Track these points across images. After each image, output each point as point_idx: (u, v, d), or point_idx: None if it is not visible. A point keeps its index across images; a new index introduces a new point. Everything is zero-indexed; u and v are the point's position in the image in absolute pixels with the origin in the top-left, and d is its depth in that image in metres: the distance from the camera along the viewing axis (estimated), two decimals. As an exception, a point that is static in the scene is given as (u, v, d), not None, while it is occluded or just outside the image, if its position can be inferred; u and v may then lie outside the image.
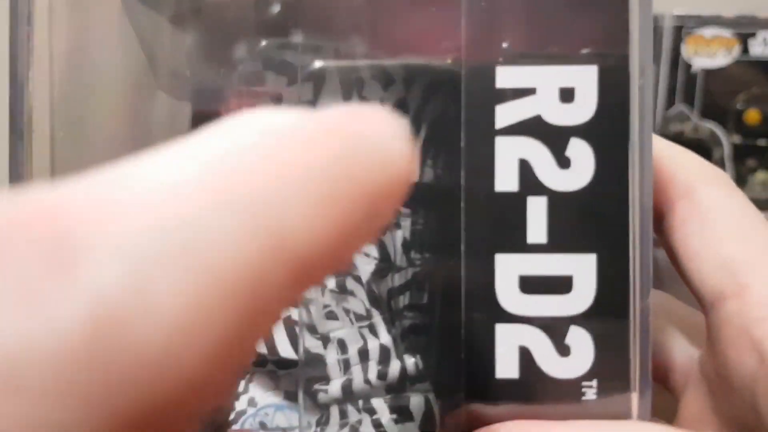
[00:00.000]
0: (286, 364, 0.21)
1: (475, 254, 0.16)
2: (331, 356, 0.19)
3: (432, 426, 0.19)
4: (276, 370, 0.23)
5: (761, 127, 0.54)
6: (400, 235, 0.20)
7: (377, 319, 0.19)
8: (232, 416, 0.23)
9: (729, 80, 0.55)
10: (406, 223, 0.20)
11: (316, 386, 0.19)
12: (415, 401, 0.19)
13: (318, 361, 0.19)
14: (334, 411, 0.19)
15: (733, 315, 0.17)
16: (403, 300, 0.19)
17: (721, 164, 0.52)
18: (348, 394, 0.19)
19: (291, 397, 0.23)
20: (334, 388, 0.19)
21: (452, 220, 0.17)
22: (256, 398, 0.23)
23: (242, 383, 0.23)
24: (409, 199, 0.20)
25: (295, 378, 0.23)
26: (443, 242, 0.18)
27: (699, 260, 0.17)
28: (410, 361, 0.19)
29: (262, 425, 0.23)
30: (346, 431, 0.19)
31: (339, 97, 0.19)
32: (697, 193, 0.18)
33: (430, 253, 0.19)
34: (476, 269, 0.16)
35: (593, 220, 0.16)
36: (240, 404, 0.23)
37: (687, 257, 0.17)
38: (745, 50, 0.54)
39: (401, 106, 0.20)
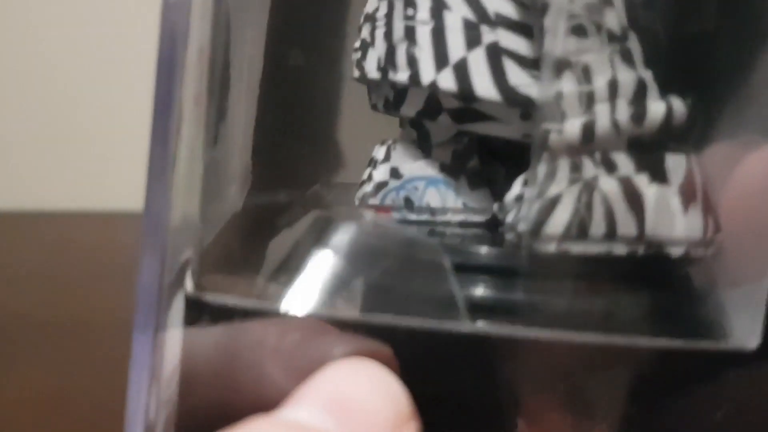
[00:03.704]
0: (472, 113, 0.16)
1: None
2: (569, 86, 0.14)
3: (692, 193, 0.14)
4: (431, 136, 0.18)
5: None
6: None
7: (634, 45, 0.14)
8: (368, 189, 0.18)
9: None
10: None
11: (546, 125, 0.14)
12: (673, 161, 0.14)
13: (542, 101, 0.14)
14: (564, 163, 0.14)
15: None
16: (679, 24, 0.14)
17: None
18: (588, 139, 0.14)
19: (448, 169, 0.18)
20: (573, 129, 0.14)
21: None
22: (401, 169, 0.18)
23: (382, 150, 0.18)
24: None
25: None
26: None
27: None
28: (679, 103, 0.14)
29: (408, 202, 0.18)
30: (576, 189, 0.14)
31: None
32: None
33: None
34: None
35: None
36: (380, 174, 0.18)
37: None
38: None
39: None
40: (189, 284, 0.13)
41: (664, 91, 0.14)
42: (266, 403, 0.12)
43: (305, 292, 0.13)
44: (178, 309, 0.13)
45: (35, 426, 0.30)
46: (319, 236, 0.14)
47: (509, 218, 0.15)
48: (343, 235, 0.14)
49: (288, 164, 0.22)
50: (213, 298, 0.13)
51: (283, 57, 0.20)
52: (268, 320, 0.14)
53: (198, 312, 0.13)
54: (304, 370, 0.12)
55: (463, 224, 0.18)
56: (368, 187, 0.18)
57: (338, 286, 0.13)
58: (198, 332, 0.14)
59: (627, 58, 0.14)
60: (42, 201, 0.52)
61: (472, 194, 0.18)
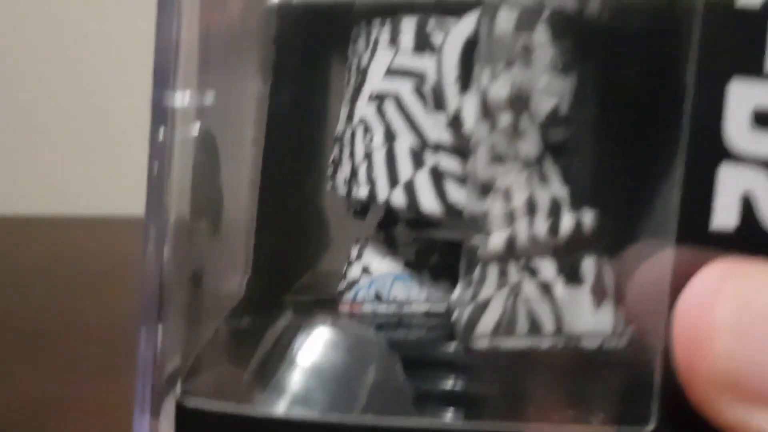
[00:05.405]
0: (422, 222, 0.19)
1: (705, 80, 0.14)
2: (496, 206, 0.16)
3: (602, 292, 0.16)
4: (396, 238, 0.20)
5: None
6: (571, 81, 0.17)
7: (549, 167, 0.17)
8: (343, 286, 0.21)
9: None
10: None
11: (474, 240, 0.17)
12: (588, 264, 0.16)
13: (472, 217, 0.17)
14: (493, 270, 0.17)
15: None
16: (585, 146, 0.17)
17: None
18: (511, 250, 0.16)
19: (412, 266, 0.20)
20: (497, 242, 0.16)
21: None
22: (371, 266, 0.21)
23: (356, 249, 0.21)
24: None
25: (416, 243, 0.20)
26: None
27: None
28: (587, 216, 0.16)
29: (378, 296, 0.20)
30: (504, 292, 0.16)
31: None
32: None
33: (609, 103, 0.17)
34: (705, 98, 0.14)
35: None
36: (353, 272, 0.21)
37: None
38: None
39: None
40: (178, 390, 0.16)
41: (580, 204, 0.17)
42: None
43: (274, 397, 0.16)
44: (169, 414, 0.15)
45: (32, 429, 0.30)
46: (289, 341, 0.17)
47: (453, 316, 0.18)
48: (308, 340, 0.17)
49: (283, 257, 0.24)
50: (198, 404, 0.15)
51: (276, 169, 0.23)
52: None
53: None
54: None
55: (427, 314, 0.20)
56: (343, 285, 0.21)
57: (302, 390, 0.16)
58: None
59: (543, 178, 0.17)
60: (41, 206, 0.52)
61: (435, 287, 0.20)
